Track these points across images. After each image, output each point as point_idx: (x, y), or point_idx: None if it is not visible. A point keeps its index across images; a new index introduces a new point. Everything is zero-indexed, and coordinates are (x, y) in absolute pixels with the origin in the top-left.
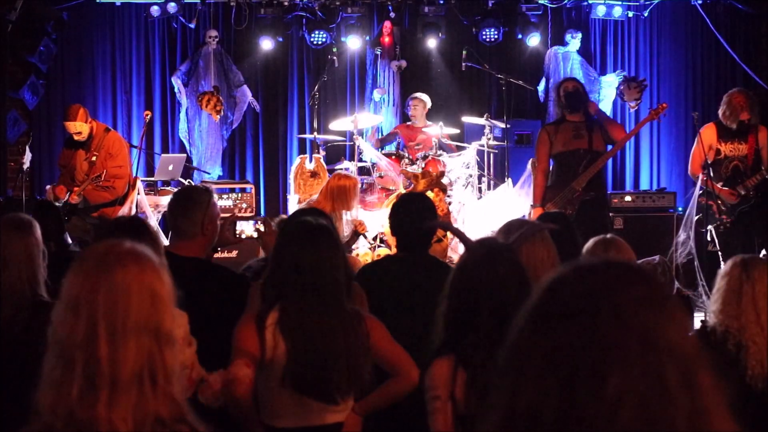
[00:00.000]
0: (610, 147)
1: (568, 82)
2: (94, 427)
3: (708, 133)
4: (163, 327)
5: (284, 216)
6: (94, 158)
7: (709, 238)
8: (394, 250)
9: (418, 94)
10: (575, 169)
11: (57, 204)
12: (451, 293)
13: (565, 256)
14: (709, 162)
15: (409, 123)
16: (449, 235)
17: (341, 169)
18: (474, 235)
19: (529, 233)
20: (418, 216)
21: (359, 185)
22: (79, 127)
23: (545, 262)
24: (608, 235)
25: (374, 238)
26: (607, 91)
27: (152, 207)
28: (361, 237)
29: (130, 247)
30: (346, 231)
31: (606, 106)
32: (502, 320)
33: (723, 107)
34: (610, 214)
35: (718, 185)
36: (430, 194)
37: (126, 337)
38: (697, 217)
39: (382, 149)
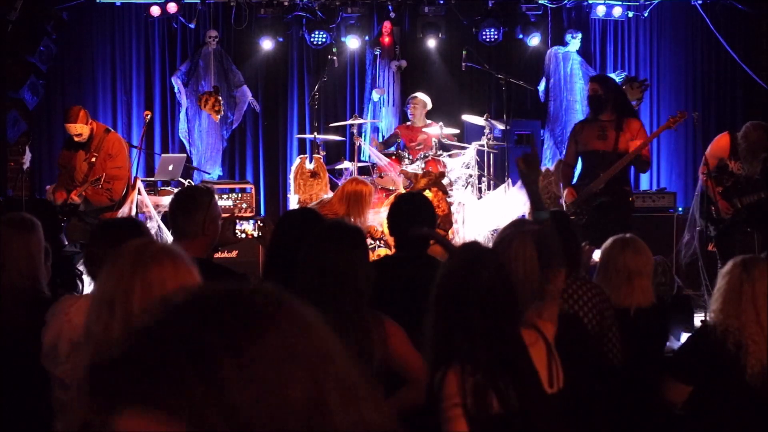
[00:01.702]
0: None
1: (593, 84)
2: None
3: (721, 145)
4: None
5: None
6: (93, 159)
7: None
8: (393, 250)
9: (418, 94)
10: (595, 170)
11: (56, 204)
12: (438, 301)
13: (567, 251)
14: (712, 168)
15: (408, 123)
16: (450, 235)
17: (342, 169)
18: (474, 236)
19: (512, 235)
20: (416, 216)
21: (374, 193)
22: (80, 129)
23: (527, 262)
24: (627, 235)
25: (374, 238)
26: None
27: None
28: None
29: (163, 245)
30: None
31: None
32: (492, 323)
33: (742, 142)
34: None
35: (719, 192)
36: (428, 194)
37: None
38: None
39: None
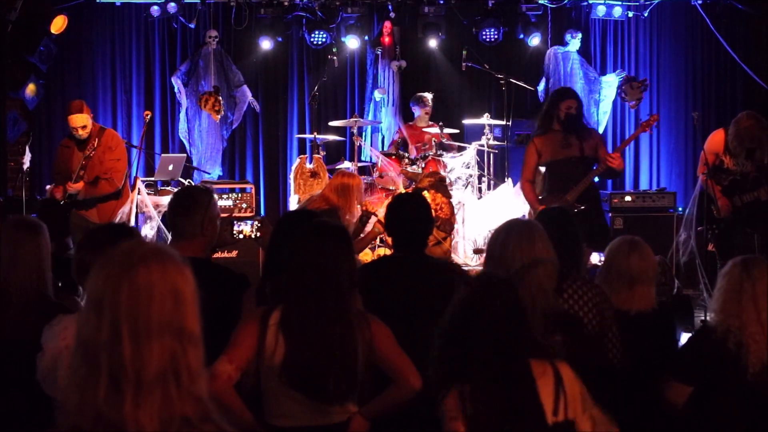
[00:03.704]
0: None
1: (572, 101)
2: (122, 428)
3: (716, 140)
4: (187, 327)
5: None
6: (91, 153)
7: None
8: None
9: (428, 94)
10: (570, 176)
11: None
12: (451, 326)
13: (567, 251)
14: (711, 167)
15: (411, 123)
16: (451, 237)
17: (342, 169)
18: (474, 236)
19: (531, 266)
20: (413, 215)
21: (363, 186)
22: (85, 120)
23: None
24: (635, 237)
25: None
26: (607, 91)
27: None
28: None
29: (153, 246)
30: (353, 222)
31: (606, 106)
32: (500, 354)
33: (732, 127)
34: (615, 216)
35: (719, 191)
36: (426, 195)
37: (149, 338)
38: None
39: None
